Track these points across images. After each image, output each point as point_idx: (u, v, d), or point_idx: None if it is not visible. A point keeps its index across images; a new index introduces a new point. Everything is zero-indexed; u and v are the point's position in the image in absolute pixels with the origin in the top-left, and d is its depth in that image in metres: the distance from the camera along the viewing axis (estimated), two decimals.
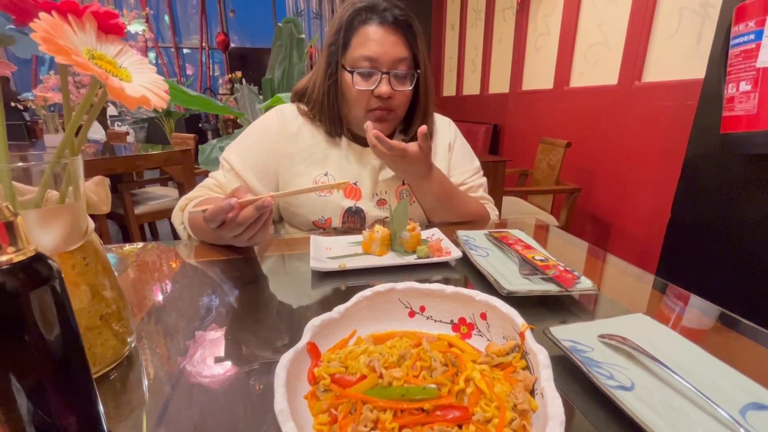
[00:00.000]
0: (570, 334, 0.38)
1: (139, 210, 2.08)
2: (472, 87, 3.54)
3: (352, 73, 0.70)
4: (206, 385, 0.34)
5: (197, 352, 0.39)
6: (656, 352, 0.35)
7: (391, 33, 0.69)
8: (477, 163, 0.90)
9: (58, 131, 2.29)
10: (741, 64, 1.04)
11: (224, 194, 0.73)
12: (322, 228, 0.76)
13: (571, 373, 0.35)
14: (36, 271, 0.22)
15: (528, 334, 0.32)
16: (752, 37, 1.00)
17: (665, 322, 0.40)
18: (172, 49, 5.78)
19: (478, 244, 0.63)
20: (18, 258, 0.21)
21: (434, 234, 0.67)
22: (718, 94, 1.14)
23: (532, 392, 0.29)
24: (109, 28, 0.30)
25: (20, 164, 0.30)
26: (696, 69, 1.60)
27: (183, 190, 2.16)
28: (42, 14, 0.25)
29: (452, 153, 0.87)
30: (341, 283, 0.54)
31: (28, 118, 3.74)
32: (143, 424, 0.30)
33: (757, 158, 1.09)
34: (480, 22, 3.29)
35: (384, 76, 0.70)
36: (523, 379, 0.29)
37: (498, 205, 2.01)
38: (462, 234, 0.66)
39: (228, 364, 0.37)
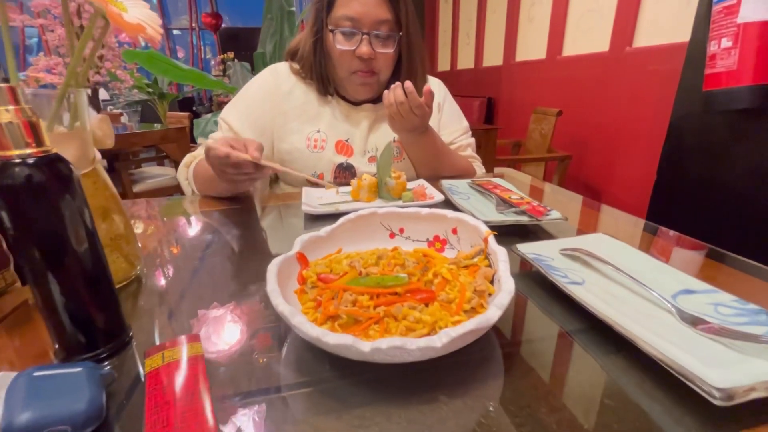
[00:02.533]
0: (535, 249, 0.42)
1: (137, 189, 2.11)
2: (466, 61, 3.52)
3: (333, 32, 0.72)
4: (208, 298, 0.39)
5: (201, 274, 0.43)
6: (608, 258, 0.39)
7: None
8: (466, 123, 0.93)
9: None
10: (723, 20, 1.06)
11: None
12: (315, 184, 0.80)
13: (534, 282, 0.40)
14: (58, 168, 0.26)
15: (491, 239, 0.36)
16: None
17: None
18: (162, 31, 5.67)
19: (460, 190, 0.67)
20: (43, 152, 0.25)
21: (420, 183, 0.71)
22: (703, 54, 1.16)
23: (491, 283, 0.33)
24: None
25: (30, 90, 0.33)
26: (685, 32, 1.60)
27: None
28: None
29: (442, 113, 0.89)
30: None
31: None
32: (155, 324, 0.35)
33: (738, 114, 1.12)
34: None
35: (365, 36, 0.71)
36: (484, 272, 0.33)
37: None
38: (446, 183, 0.70)
39: (226, 285, 0.41)
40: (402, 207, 0.61)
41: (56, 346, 0.29)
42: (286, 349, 0.31)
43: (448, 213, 0.40)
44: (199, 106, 5.31)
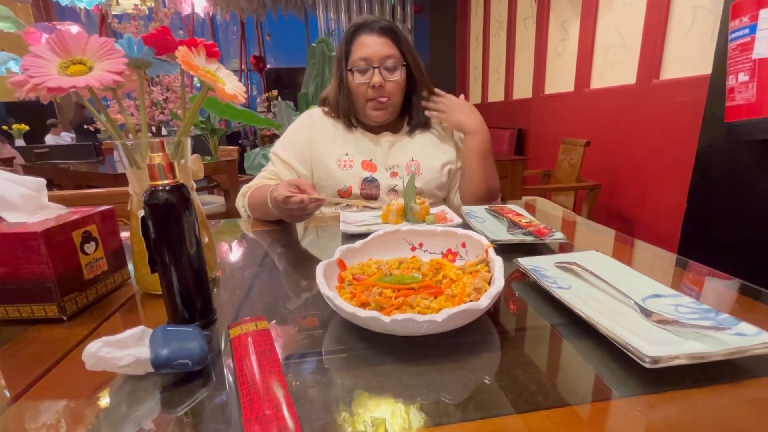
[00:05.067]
0: (533, 262, 0.50)
1: None
2: (496, 94, 3.64)
3: (352, 71, 0.91)
4: (268, 293, 0.50)
5: (260, 277, 0.55)
6: (596, 270, 0.47)
7: (378, 37, 0.89)
8: None
9: None
10: (739, 57, 1.11)
11: (278, 180, 0.92)
12: (346, 196, 0.93)
13: (531, 289, 0.48)
14: (183, 192, 0.39)
15: (491, 251, 0.45)
16: (747, 31, 1.08)
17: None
18: None
19: (477, 214, 0.76)
20: (176, 183, 0.38)
21: (441, 208, 0.81)
22: (724, 86, 1.20)
23: (489, 284, 0.42)
24: (211, 53, 0.47)
25: (154, 139, 0.47)
26: (709, 64, 1.64)
27: (229, 196, 2.42)
28: (180, 47, 0.42)
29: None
30: None
31: (99, 140, 4.20)
32: (231, 309, 0.46)
33: (761, 143, 1.14)
34: (502, 32, 3.40)
35: (375, 69, 0.89)
36: (483, 276, 0.42)
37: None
38: (465, 208, 0.79)
39: (281, 284, 0.53)
40: (425, 227, 0.72)
41: (168, 318, 0.40)
42: (328, 328, 0.41)
43: (458, 230, 0.50)
44: (244, 139, 5.76)
